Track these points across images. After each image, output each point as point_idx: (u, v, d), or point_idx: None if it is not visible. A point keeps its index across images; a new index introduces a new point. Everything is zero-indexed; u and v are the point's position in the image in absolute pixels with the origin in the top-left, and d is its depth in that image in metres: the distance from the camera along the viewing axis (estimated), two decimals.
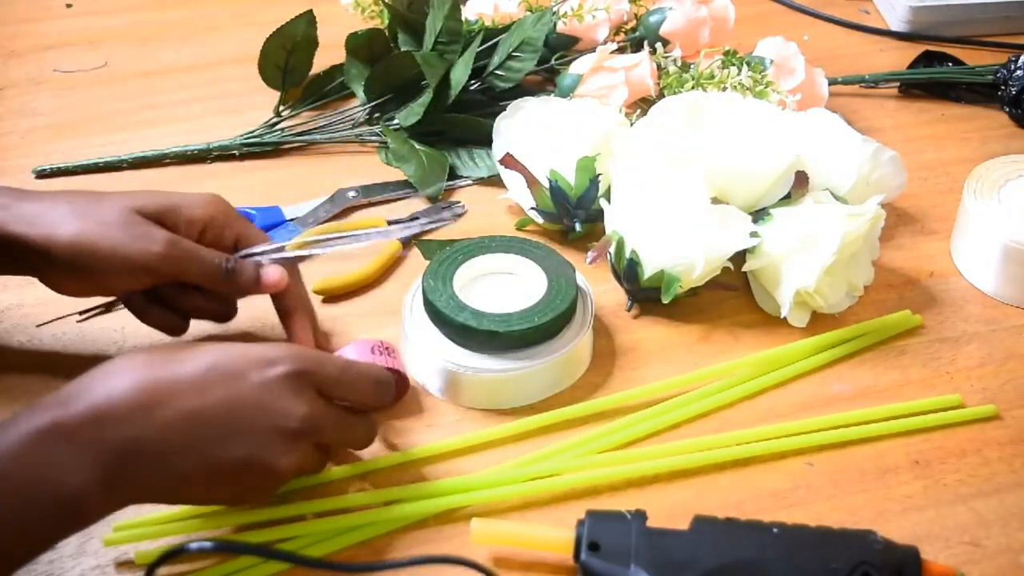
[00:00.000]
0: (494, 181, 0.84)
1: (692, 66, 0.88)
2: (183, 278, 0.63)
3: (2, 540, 0.47)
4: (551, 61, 0.92)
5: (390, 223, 0.80)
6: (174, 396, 0.50)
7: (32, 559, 0.49)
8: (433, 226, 0.80)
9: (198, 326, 0.68)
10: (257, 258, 0.65)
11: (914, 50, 1.01)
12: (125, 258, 0.61)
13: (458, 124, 0.87)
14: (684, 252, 0.70)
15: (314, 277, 0.74)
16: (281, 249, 0.65)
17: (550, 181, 0.77)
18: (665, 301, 0.71)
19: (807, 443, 0.65)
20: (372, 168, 0.87)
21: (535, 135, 0.78)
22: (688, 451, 0.64)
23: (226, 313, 0.68)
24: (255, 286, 0.65)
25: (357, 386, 0.56)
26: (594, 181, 0.76)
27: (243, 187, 0.84)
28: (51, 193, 0.63)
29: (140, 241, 0.61)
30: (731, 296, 0.75)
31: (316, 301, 0.74)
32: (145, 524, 0.58)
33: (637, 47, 0.93)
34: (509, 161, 0.78)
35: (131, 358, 0.52)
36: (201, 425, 0.50)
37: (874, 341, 0.72)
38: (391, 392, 0.59)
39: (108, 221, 0.61)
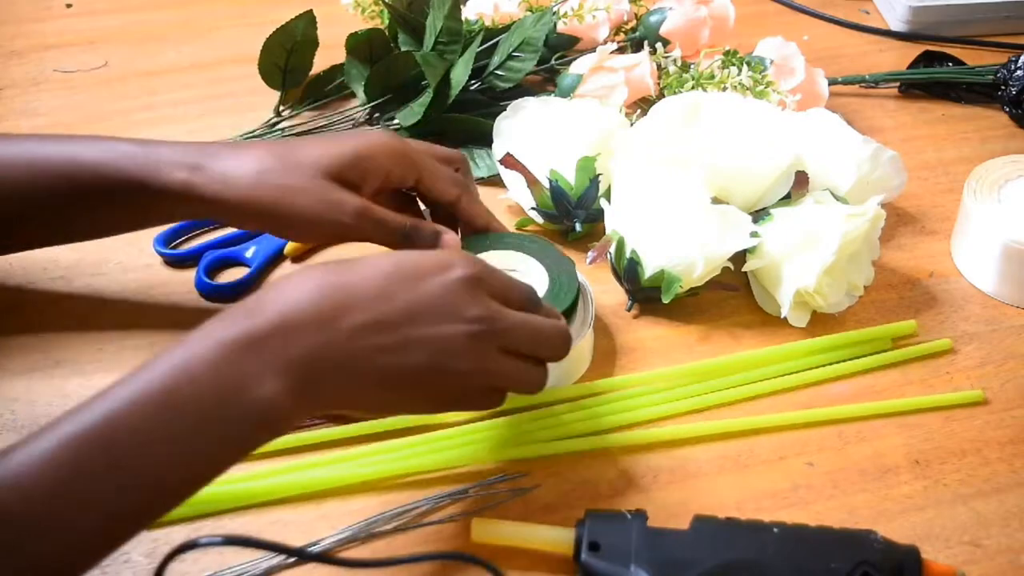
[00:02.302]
0: (494, 181, 0.84)
1: (692, 66, 0.88)
2: (365, 240, 0.65)
3: (203, 443, 0.48)
4: (551, 61, 0.92)
5: None
6: (357, 304, 0.51)
7: (229, 467, 0.49)
8: None
9: None
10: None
11: (914, 50, 1.01)
12: (315, 224, 0.64)
13: (458, 124, 0.87)
14: (684, 252, 0.70)
15: None
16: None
17: (550, 181, 0.77)
18: (665, 301, 0.71)
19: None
20: None
21: (535, 135, 0.78)
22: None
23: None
24: (433, 248, 0.66)
25: (532, 322, 0.56)
26: (594, 181, 0.76)
27: None
28: (238, 149, 0.65)
29: (331, 211, 0.63)
30: (731, 296, 0.75)
31: None
32: None
33: (637, 47, 0.93)
34: (509, 161, 0.78)
35: (311, 270, 0.53)
36: (386, 332, 0.51)
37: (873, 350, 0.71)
38: (567, 348, 0.58)
39: (300, 188, 0.63)
